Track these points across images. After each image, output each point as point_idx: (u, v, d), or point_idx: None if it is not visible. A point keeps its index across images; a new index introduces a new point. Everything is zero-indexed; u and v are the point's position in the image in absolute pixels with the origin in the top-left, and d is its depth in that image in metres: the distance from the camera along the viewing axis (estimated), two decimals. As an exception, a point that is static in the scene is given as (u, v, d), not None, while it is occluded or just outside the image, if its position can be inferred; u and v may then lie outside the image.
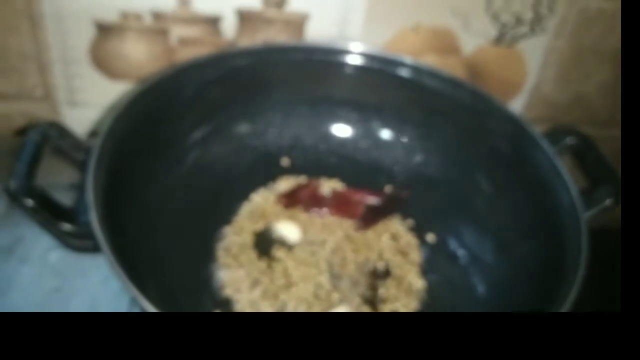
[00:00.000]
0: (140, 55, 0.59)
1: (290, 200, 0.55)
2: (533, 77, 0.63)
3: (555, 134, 0.52)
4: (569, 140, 0.52)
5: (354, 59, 0.56)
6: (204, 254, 0.50)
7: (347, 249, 0.52)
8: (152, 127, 0.49)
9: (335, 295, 0.48)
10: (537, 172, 0.49)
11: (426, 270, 0.51)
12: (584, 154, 0.52)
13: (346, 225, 0.54)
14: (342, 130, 0.59)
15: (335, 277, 0.50)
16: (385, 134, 0.59)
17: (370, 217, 0.54)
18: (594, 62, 0.63)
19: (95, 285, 0.51)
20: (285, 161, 0.58)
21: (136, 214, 0.45)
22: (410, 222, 0.55)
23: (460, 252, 0.52)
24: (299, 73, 0.57)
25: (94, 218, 0.39)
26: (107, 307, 0.49)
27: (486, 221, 0.53)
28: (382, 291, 0.49)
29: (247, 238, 0.52)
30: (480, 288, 0.50)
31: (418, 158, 0.58)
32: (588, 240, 0.43)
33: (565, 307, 0.39)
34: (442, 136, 0.57)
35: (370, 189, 0.56)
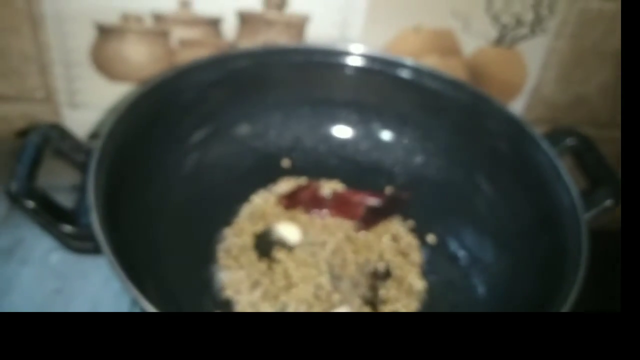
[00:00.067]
0: (140, 57, 0.59)
1: (291, 201, 0.55)
2: (533, 78, 0.64)
3: (555, 135, 0.52)
4: (569, 141, 0.52)
5: (354, 61, 0.56)
6: (204, 256, 0.50)
7: (347, 250, 0.52)
8: (153, 128, 0.49)
9: (336, 296, 0.48)
10: (538, 173, 0.49)
11: (427, 271, 0.51)
12: (584, 154, 0.52)
13: (346, 226, 0.54)
14: (342, 131, 0.59)
15: (335, 278, 0.50)
16: (386, 135, 0.59)
17: (371, 218, 0.54)
18: (594, 63, 0.63)
19: (96, 287, 0.51)
20: (285, 162, 0.58)
21: (137, 216, 0.46)
22: (410, 223, 0.55)
23: (461, 253, 0.52)
24: (300, 74, 0.57)
25: (94, 220, 0.39)
26: (107, 309, 0.49)
27: (486, 222, 0.53)
28: (382, 292, 0.50)
29: (248, 239, 0.52)
30: (481, 289, 0.50)
31: (418, 159, 0.58)
32: (588, 241, 0.43)
33: (566, 308, 0.39)
34: (442, 137, 0.57)
35: (370, 190, 0.56)
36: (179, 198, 0.51)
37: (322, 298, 0.48)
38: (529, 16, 0.59)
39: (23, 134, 0.53)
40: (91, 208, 0.40)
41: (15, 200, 0.41)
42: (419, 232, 0.54)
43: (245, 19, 0.58)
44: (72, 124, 0.58)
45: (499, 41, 0.61)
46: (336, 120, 0.59)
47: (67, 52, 0.58)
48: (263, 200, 0.55)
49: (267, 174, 0.57)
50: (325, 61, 0.56)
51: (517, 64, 0.62)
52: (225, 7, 0.57)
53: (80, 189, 0.43)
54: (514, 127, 0.52)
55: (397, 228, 0.54)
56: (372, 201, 0.55)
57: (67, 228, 0.42)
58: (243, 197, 0.55)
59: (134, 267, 0.38)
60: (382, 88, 0.57)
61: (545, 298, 0.42)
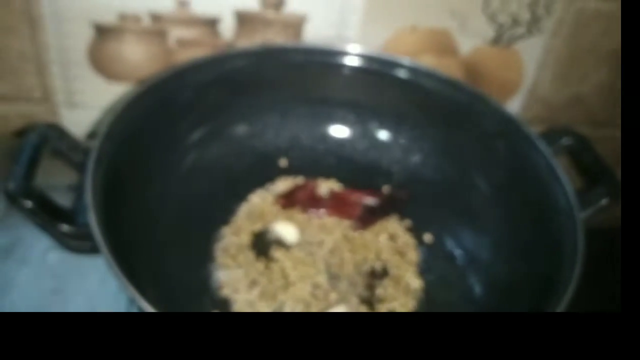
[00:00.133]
0: (138, 57, 0.59)
1: (288, 200, 0.55)
2: (530, 77, 0.64)
3: (551, 134, 0.53)
4: (566, 141, 0.53)
5: (351, 60, 0.56)
6: (202, 255, 0.50)
7: (344, 249, 0.52)
8: (151, 128, 0.50)
9: (333, 295, 0.48)
10: (534, 172, 0.50)
11: (423, 270, 0.52)
12: (581, 154, 0.52)
13: (344, 225, 0.54)
14: (339, 131, 0.60)
15: (333, 277, 0.50)
16: (383, 134, 0.59)
17: (368, 218, 0.55)
18: (590, 62, 0.63)
19: (94, 286, 0.51)
20: (283, 162, 0.58)
21: (134, 215, 0.46)
22: (407, 222, 0.55)
23: (458, 252, 0.53)
24: (297, 74, 0.57)
25: (92, 219, 0.39)
26: (105, 308, 0.49)
27: (483, 221, 0.53)
28: (379, 291, 0.50)
29: (245, 238, 0.52)
30: (477, 288, 0.50)
31: (415, 158, 0.58)
32: (584, 240, 0.43)
33: (562, 305, 0.39)
34: (439, 137, 0.57)
35: (367, 189, 0.56)
36: (176, 197, 0.51)
37: (319, 297, 0.48)
38: (525, 16, 0.59)
39: (21, 133, 0.53)
40: (89, 207, 0.40)
41: (12, 199, 0.41)
42: (416, 231, 0.54)
43: (243, 19, 0.58)
44: (69, 124, 0.58)
45: (496, 41, 0.61)
46: (333, 119, 0.59)
47: (65, 52, 0.58)
48: (261, 200, 0.55)
49: (264, 174, 0.57)
50: (322, 61, 0.56)
51: (513, 64, 0.63)
52: (222, 6, 0.57)
53: (78, 189, 0.43)
54: (511, 127, 0.52)
55: (394, 227, 0.54)
56: (369, 200, 0.56)
57: (65, 227, 0.42)
58: (241, 196, 0.55)
59: (132, 266, 0.38)
60: (379, 88, 0.57)
61: (541, 296, 0.42)
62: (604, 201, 0.48)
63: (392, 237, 0.54)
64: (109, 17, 0.56)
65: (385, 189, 0.57)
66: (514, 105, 0.65)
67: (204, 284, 0.48)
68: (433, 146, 0.57)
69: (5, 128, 0.62)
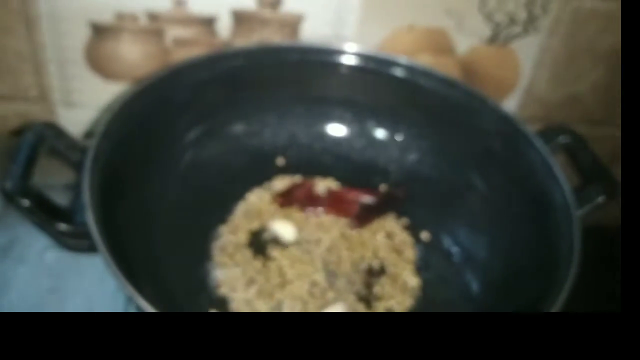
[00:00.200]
0: (135, 56, 0.59)
1: (286, 199, 0.55)
2: (526, 76, 0.64)
3: (548, 133, 0.53)
4: (562, 139, 0.53)
5: (348, 59, 0.56)
6: (199, 253, 0.50)
7: (342, 247, 0.52)
8: (148, 127, 0.50)
9: (331, 294, 0.49)
10: (531, 170, 0.50)
11: (421, 268, 0.52)
12: (577, 152, 0.52)
13: (341, 223, 0.54)
14: (337, 129, 0.60)
15: (330, 276, 0.50)
16: (380, 133, 0.59)
17: (365, 216, 0.55)
18: (587, 61, 0.63)
19: (92, 285, 0.51)
20: (280, 161, 0.58)
21: (132, 214, 0.46)
22: (404, 220, 0.55)
23: (455, 250, 0.53)
24: (294, 73, 0.57)
25: (90, 218, 0.39)
26: (103, 307, 0.49)
27: (480, 219, 0.53)
28: (377, 289, 0.50)
29: (243, 237, 0.52)
30: (474, 285, 0.50)
31: (412, 157, 0.58)
32: (581, 237, 0.43)
33: (558, 303, 0.39)
34: (436, 135, 0.57)
35: (365, 187, 0.56)
36: (174, 196, 0.51)
37: (316, 295, 0.48)
38: (522, 15, 0.59)
39: (18, 132, 0.53)
40: (86, 206, 0.40)
41: (10, 198, 0.41)
42: (413, 230, 0.54)
43: (240, 18, 0.58)
44: (67, 123, 0.58)
45: (493, 40, 0.61)
46: (331, 118, 0.59)
47: (62, 51, 0.58)
48: (258, 198, 0.55)
49: (262, 172, 0.57)
50: (319, 60, 0.56)
51: (510, 63, 0.63)
52: (219, 6, 0.57)
53: (76, 188, 0.43)
54: (507, 125, 0.52)
55: (391, 225, 0.55)
56: (367, 199, 0.56)
57: (63, 226, 0.42)
58: (238, 195, 0.55)
59: (130, 265, 0.39)
60: (376, 86, 0.57)
61: (538, 294, 0.42)
62: (600, 199, 0.48)
63: (390, 235, 0.54)
64: (105, 17, 0.56)
65: (383, 187, 0.57)
66: (510, 104, 0.65)
67: (201, 283, 0.48)
68: (430, 145, 0.57)
69: (3, 127, 0.62)
